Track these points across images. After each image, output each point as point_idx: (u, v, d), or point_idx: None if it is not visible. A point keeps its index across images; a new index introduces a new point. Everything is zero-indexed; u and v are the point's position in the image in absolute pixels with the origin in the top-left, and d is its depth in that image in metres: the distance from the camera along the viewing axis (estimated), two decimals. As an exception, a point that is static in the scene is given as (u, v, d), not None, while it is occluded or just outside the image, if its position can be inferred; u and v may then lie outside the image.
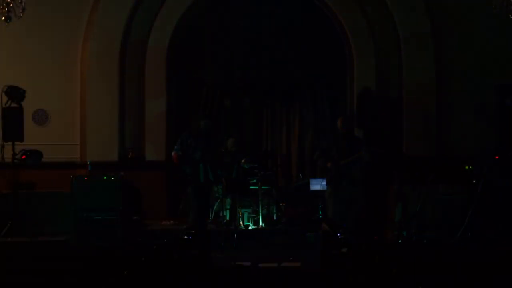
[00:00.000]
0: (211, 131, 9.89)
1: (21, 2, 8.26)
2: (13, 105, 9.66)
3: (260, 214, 10.21)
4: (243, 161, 10.54)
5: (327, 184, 9.40)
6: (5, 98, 9.57)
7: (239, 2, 11.62)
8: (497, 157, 9.07)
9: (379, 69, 11.31)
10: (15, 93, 9.64)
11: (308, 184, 10.76)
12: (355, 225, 9.12)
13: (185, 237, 8.18)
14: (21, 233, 9.12)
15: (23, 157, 9.64)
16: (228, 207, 10.37)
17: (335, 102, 11.75)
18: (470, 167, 9.16)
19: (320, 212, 10.41)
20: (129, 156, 11.28)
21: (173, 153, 9.69)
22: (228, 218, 10.31)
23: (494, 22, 10.22)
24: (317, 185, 10.49)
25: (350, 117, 10.85)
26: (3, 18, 8.23)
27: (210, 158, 9.56)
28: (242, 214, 10.27)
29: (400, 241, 9.10)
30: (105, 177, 9.51)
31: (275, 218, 10.40)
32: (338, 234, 8.22)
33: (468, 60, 11.08)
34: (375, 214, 9.96)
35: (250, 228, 10.19)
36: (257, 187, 10.30)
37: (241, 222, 10.19)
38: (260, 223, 10.22)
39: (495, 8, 8.55)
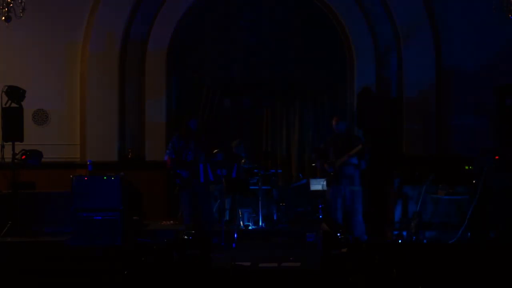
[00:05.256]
0: (201, 130, 9.74)
1: (21, 2, 8.26)
2: (13, 105, 9.66)
3: (260, 214, 10.21)
4: (243, 161, 10.54)
5: (327, 185, 9.38)
6: (5, 98, 9.56)
7: (239, 2, 11.62)
8: (497, 157, 9.07)
9: (379, 69, 11.31)
10: (15, 93, 9.64)
11: (306, 184, 10.76)
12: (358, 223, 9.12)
13: (185, 237, 8.18)
14: (21, 233, 9.12)
15: (23, 157, 9.64)
16: (228, 207, 10.37)
17: (335, 102, 11.75)
18: (470, 167, 9.15)
19: (320, 212, 10.40)
20: (129, 156, 11.28)
21: (166, 157, 9.40)
22: (228, 218, 10.31)
23: (494, 22, 10.22)
24: (317, 185, 10.49)
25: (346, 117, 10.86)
26: (3, 18, 8.24)
27: (202, 158, 9.36)
28: (242, 214, 10.27)
29: (400, 241, 9.11)
30: (105, 177, 9.51)
31: (275, 218, 10.39)
32: (338, 234, 8.23)
33: (468, 60, 11.08)
34: (375, 214, 9.96)
35: (250, 228, 10.19)
36: (257, 187, 10.30)
37: (241, 222, 10.19)
38: (260, 223, 10.22)
39: (495, 8, 8.56)
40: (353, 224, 9.07)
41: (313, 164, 10.03)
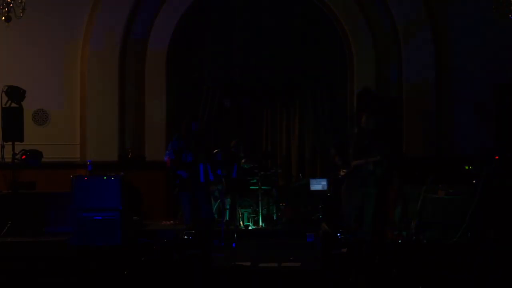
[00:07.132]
0: (201, 131, 9.72)
1: (21, 2, 8.27)
2: (13, 105, 9.67)
3: (260, 214, 10.21)
4: (243, 161, 10.53)
5: (340, 181, 9.22)
6: (5, 98, 9.57)
7: (239, 2, 11.62)
8: (497, 157, 9.06)
9: (379, 69, 11.32)
10: (15, 93, 9.65)
11: (306, 184, 10.74)
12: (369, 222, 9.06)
13: (185, 237, 8.19)
14: (21, 233, 9.12)
15: (23, 157, 9.64)
16: (228, 207, 10.37)
17: (335, 102, 11.74)
18: (470, 167, 9.15)
19: (320, 212, 10.39)
20: (129, 156, 11.28)
21: (165, 158, 9.37)
22: (228, 218, 10.31)
23: (494, 21, 10.22)
24: (317, 185, 10.48)
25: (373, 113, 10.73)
26: (3, 18, 8.24)
27: (203, 159, 9.32)
28: (242, 214, 10.27)
29: (400, 241, 9.10)
30: (105, 177, 9.50)
31: (275, 218, 10.39)
32: (338, 234, 8.23)
33: (468, 60, 11.08)
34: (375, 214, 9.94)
35: (250, 228, 10.18)
36: (257, 187, 10.30)
37: (241, 222, 10.19)
38: (260, 223, 10.21)
39: (495, 8, 8.56)
40: (361, 224, 9.02)
41: (333, 159, 9.70)
